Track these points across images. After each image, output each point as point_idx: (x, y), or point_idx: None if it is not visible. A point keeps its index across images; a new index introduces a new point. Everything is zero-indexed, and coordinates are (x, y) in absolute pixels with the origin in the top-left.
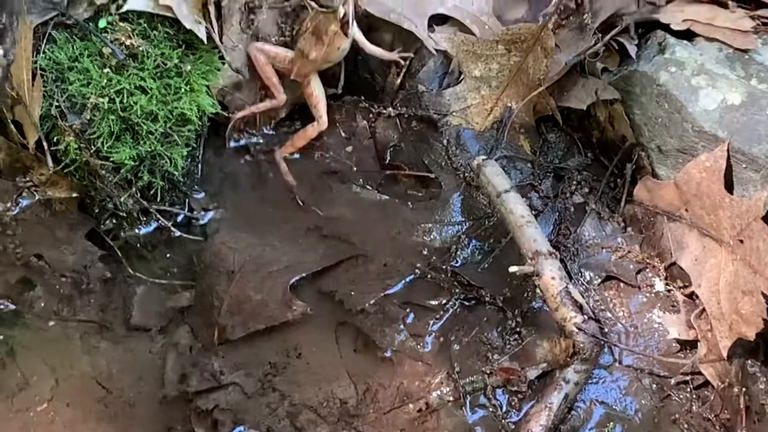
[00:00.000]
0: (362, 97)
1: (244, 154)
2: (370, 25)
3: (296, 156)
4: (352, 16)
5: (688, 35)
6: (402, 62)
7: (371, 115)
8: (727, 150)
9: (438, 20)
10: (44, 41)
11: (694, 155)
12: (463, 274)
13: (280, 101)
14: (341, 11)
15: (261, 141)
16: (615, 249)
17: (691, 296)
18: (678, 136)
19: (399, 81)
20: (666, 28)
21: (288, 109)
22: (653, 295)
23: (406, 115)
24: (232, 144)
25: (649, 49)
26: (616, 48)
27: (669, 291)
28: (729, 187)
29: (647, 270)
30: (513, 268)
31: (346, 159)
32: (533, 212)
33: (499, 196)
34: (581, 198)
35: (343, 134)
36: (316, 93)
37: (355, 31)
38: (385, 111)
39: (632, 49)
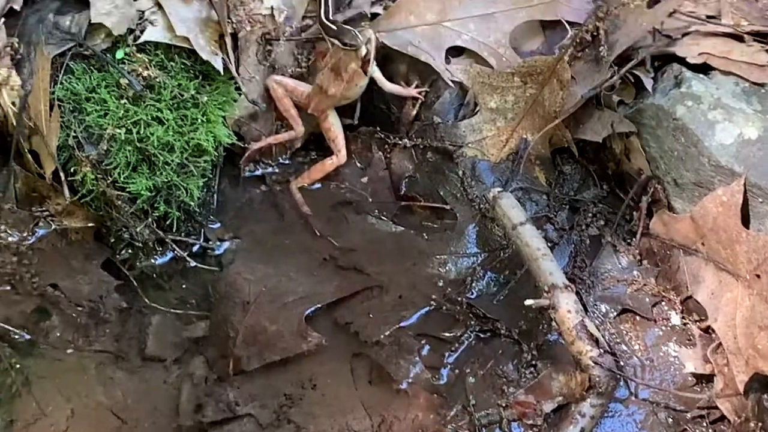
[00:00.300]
0: (378, 128)
1: (260, 184)
2: (386, 56)
3: (312, 186)
4: (373, 55)
5: (704, 68)
6: (420, 97)
7: (387, 146)
8: (744, 184)
9: (454, 52)
10: (62, 72)
11: (711, 189)
12: (479, 306)
13: (298, 133)
14: (363, 50)
15: (277, 171)
16: (631, 282)
17: (708, 330)
18: (694, 169)
19: (414, 112)
20: (682, 61)
21: (304, 139)
22: (669, 328)
23: (421, 146)
24: (248, 173)
25: (665, 82)
26: (632, 81)
27: (685, 325)
28: (746, 221)
29: (663, 303)
30: (529, 302)
31: (362, 189)
32: (549, 244)
33: (515, 229)
34: (597, 230)
35: (358, 165)
36: (334, 128)
37: (374, 70)
38: (400, 142)
39: (648, 83)
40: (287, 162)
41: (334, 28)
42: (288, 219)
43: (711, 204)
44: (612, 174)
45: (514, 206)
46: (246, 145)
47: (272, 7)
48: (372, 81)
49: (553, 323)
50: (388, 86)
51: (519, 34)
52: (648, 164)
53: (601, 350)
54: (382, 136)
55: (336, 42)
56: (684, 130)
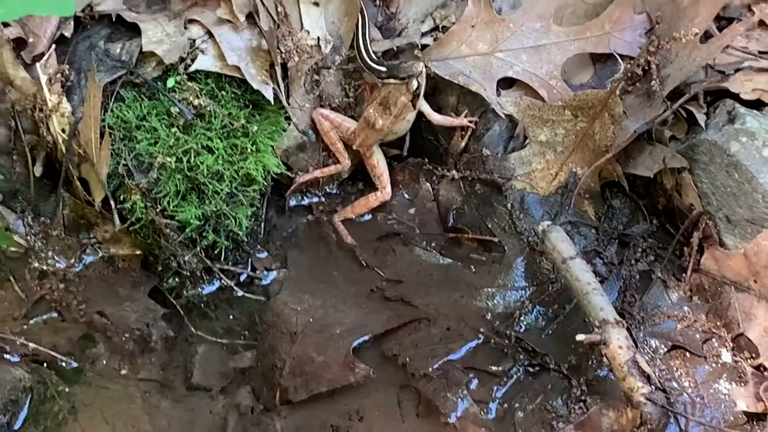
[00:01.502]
0: (426, 159)
1: (306, 214)
2: (436, 86)
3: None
4: (423, 89)
5: (757, 104)
6: (471, 126)
7: (435, 178)
8: None
9: (504, 84)
10: (112, 99)
11: (765, 226)
12: (527, 340)
13: (344, 166)
14: (414, 83)
15: (323, 200)
16: (681, 318)
17: (760, 368)
18: (748, 206)
19: (463, 144)
20: (735, 96)
21: (351, 170)
22: (720, 365)
23: (469, 178)
24: (293, 203)
25: (718, 117)
26: (684, 116)
27: (736, 362)
28: None
29: (713, 340)
30: (580, 337)
31: (409, 221)
32: (598, 279)
33: (565, 263)
34: (646, 265)
35: (406, 196)
36: (380, 164)
37: (422, 103)
38: (448, 174)
39: (701, 118)
40: (334, 192)
41: (382, 68)
42: (335, 249)
43: (765, 241)
44: (662, 209)
45: (564, 240)
46: (294, 175)
47: (318, 38)
48: (420, 114)
49: (604, 359)
50: (437, 118)
51: (570, 66)
52: (699, 200)
53: (653, 387)
54: (430, 167)
55: (393, 81)
56: (738, 167)
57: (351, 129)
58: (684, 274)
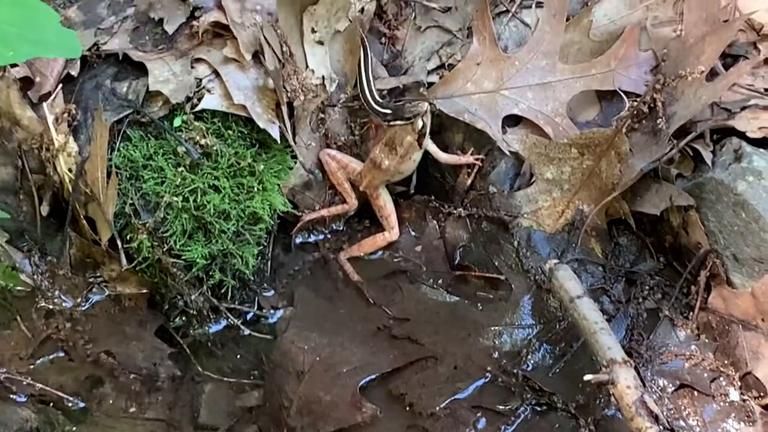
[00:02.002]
0: (432, 197)
1: (313, 251)
2: (441, 124)
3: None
4: (429, 128)
5: (763, 142)
6: (478, 163)
7: (441, 215)
8: None
9: (510, 121)
10: (119, 139)
11: None
12: (535, 378)
13: (351, 206)
14: (419, 123)
15: (330, 238)
16: (688, 357)
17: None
18: (755, 245)
19: (469, 181)
20: (741, 135)
21: (358, 207)
22: (728, 404)
23: (476, 216)
24: (299, 240)
25: (725, 156)
26: (691, 154)
27: (744, 401)
28: None
29: (721, 379)
30: (588, 377)
31: (416, 258)
32: (605, 317)
33: (572, 302)
34: (654, 304)
35: (412, 233)
36: (387, 205)
37: (429, 143)
38: (455, 211)
39: (708, 156)
40: (341, 229)
41: (387, 111)
42: (341, 287)
43: None
44: (669, 247)
45: (571, 278)
46: (300, 213)
47: (323, 77)
48: (426, 152)
49: (612, 398)
50: (443, 157)
51: (575, 103)
52: (707, 238)
53: (661, 427)
54: (437, 204)
55: (398, 123)
56: (745, 206)
57: (357, 170)
58: (691, 313)
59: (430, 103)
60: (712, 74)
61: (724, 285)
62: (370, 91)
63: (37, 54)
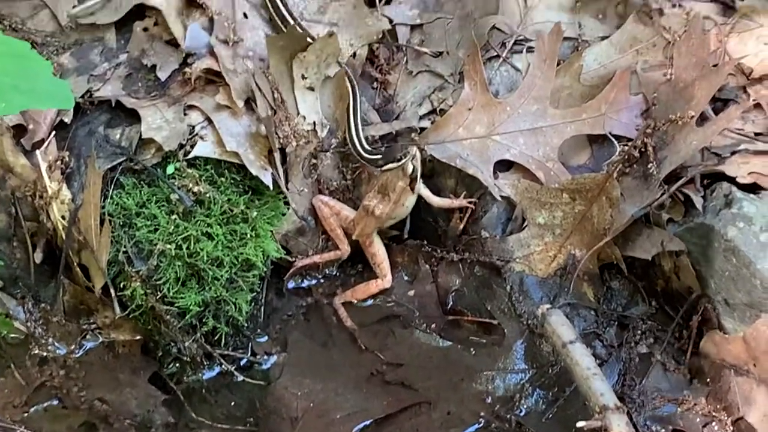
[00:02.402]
0: (425, 241)
1: (306, 296)
2: (433, 169)
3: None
4: (420, 172)
5: (753, 187)
6: (471, 206)
7: (434, 259)
8: None
9: (502, 166)
10: (112, 186)
11: (763, 310)
12: (528, 424)
13: (344, 253)
14: (409, 167)
15: (323, 282)
16: (681, 401)
17: None
18: (746, 291)
19: (462, 226)
20: (732, 180)
21: (350, 251)
22: None
23: (468, 260)
24: (292, 285)
25: (715, 201)
26: (681, 198)
27: None
28: None
29: (714, 424)
30: (581, 424)
31: (408, 303)
32: (597, 361)
33: (565, 347)
34: (646, 348)
35: (405, 278)
36: (379, 253)
37: (421, 187)
38: (447, 255)
39: (698, 201)
40: (334, 273)
41: (377, 157)
42: (335, 332)
43: (764, 327)
44: (661, 291)
45: (564, 324)
46: (293, 259)
47: (315, 122)
48: (419, 197)
49: None
50: (436, 201)
51: (566, 147)
52: (698, 283)
53: None
54: (429, 249)
55: (381, 166)
56: (736, 252)
57: (350, 218)
58: (684, 357)
59: (420, 148)
60: (702, 118)
61: (716, 330)
62: (359, 138)
63: (30, 106)
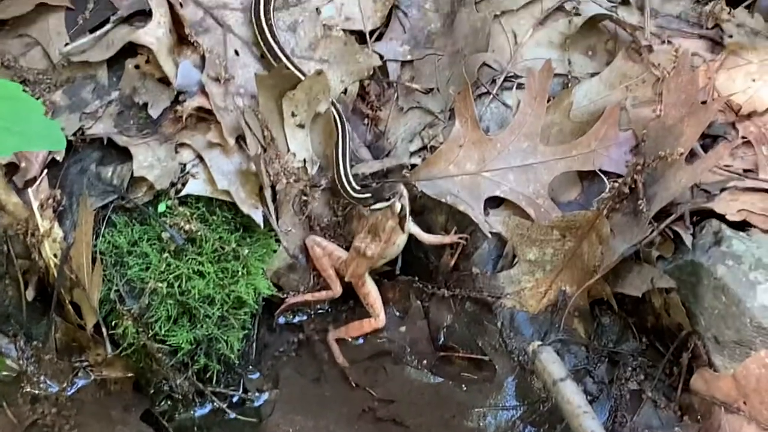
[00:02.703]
0: (416, 277)
1: (298, 333)
2: (424, 206)
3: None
4: (408, 210)
5: (743, 224)
6: (462, 242)
7: (425, 295)
8: None
9: (493, 203)
10: (104, 224)
11: (753, 348)
12: None
13: (335, 293)
14: (397, 206)
15: (314, 318)
16: None
17: None
18: (736, 328)
19: (453, 262)
20: (721, 216)
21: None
22: None
23: (459, 297)
24: (283, 321)
25: (705, 238)
26: (671, 235)
27: None
28: None
29: None
30: None
31: (400, 339)
32: (588, 398)
33: (555, 385)
34: (637, 385)
35: (396, 314)
36: (372, 292)
37: (411, 225)
38: (438, 291)
39: (688, 239)
40: (325, 309)
41: (366, 195)
42: (326, 368)
43: (754, 365)
44: (651, 327)
45: (555, 361)
46: (284, 295)
47: (304, 160)
48: (410, 235)
49: None
50: (427, 238)
51: (557, 183)
52: (688, 320)
53: None
54: (421, 285)
55: (378, 206)
56: (725, 290)
57: (342, 258)
58: (674, 394)
59: (411, 185)
60: (692, 155)
61: (706, 367)
62: (347, 177)
63: (22, 148)
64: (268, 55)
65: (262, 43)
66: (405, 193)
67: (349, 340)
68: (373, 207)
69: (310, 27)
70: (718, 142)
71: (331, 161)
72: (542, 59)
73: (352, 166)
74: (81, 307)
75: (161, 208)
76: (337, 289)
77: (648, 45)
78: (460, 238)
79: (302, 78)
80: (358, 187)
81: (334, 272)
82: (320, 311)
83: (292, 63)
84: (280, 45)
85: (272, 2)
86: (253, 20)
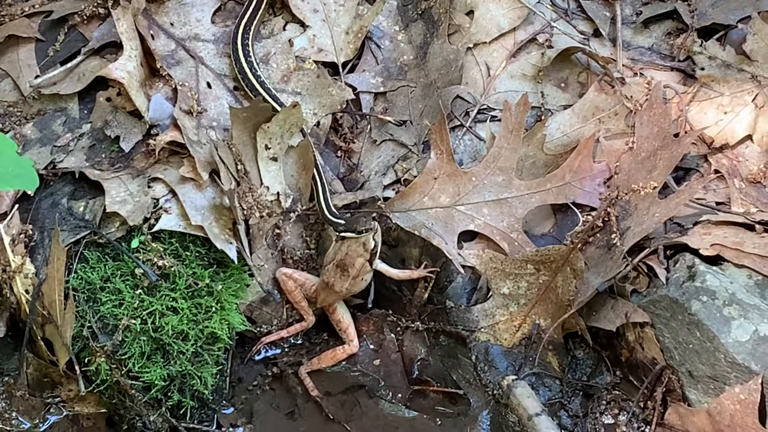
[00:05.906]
0: (390, 311)
1: (271, 366)
2: (399, 238)
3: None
4: (380, 246)
5: (716, 258)
6: (432, 276)
7: (399, 329)
8: (761, 383)
9: (467, 236)
10: (76, 260)
11: (727, 383)
12: None
13: (309, 323)
14: (371, 243)
15: (288, 351)
16: None
17: None
18: (710, 363)
19: (426, 295)
20: (695, 251)
21: (315, 320)
22: None
23: (434, 330)
24: (258, 357)
25: (678, 272)
26: (645, 270)
27: None
28: (762, 419)
29: None
30: None
31: (374, 372)
32: None
33: (531, 419)
34: (611, 418)
35: (371, 347)
36: (344, 318)
37: (378, 262)
38: (412, 325)
39: (662, 273)
40: (299, 342)
41: (340, 221)
42: (301, 402)
43: (728, 401)
44: (625, 361)
45: (529, 396)
46: (257, 329)
47: (278, 193)
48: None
49: None
50: (395, 273)
51: (531, 216)
52: (662, 354)
53: None
54: (395, 318)
55: (342, 233)
56: (699, 326)
57: (314, 286)
58: (648, 428)
59: (385, 216)
60: (664, 187)
61: (680, 402)
62: (327, 203)
63: None
64: (245, 88)
65: (239, 75)
66: (379, 229)
67: (323, 368)
68: (342, 233)
69: (282, 59)
70: (690, 174)
71: (308, 188)
72: (515, 92)
73: (332, 194)
74: (53, 343)
75: (134, 243)
76: (310, 320)
77: (620, 77)
78: (430, 271)
79: (278, 110)
80: (335, 211)
81: (307, 303)
82: (294, 343)
83: (270, 94)
84: (258, 77)
85: (251, 34)
86: (232, 52)
